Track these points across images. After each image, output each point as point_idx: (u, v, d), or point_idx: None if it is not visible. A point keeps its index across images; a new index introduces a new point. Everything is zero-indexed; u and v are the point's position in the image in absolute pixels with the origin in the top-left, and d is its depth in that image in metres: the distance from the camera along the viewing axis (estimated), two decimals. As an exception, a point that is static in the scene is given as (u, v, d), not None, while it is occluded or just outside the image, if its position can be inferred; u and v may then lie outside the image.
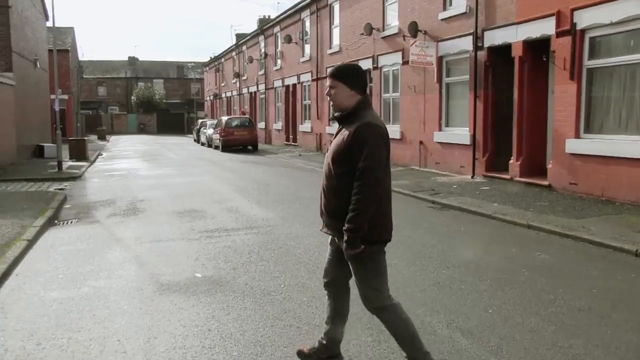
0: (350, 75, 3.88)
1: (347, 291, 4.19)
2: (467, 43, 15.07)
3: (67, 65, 40.51)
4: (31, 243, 8.38)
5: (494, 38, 14.10)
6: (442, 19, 16.21)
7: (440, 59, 16.52)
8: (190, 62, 76.89)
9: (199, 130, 41.00)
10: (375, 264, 3.81)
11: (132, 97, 71.42)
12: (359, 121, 3.69)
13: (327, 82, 3.93)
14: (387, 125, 16.11)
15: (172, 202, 12.44)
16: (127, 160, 25.70)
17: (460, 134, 15.72)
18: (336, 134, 3.89)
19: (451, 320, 5.15)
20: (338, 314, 4.17)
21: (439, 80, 16.70)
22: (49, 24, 30.10)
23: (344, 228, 3.66)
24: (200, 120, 45.30)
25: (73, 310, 5.58)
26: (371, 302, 3.88)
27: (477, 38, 14.61)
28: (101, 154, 29.56)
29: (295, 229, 9.32)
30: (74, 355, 4.52)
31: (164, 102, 71.67)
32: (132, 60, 78.75)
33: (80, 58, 51.32)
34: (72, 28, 46.18)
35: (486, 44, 14.36)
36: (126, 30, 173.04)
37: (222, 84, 51.06)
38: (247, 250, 7.89)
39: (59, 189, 14.78)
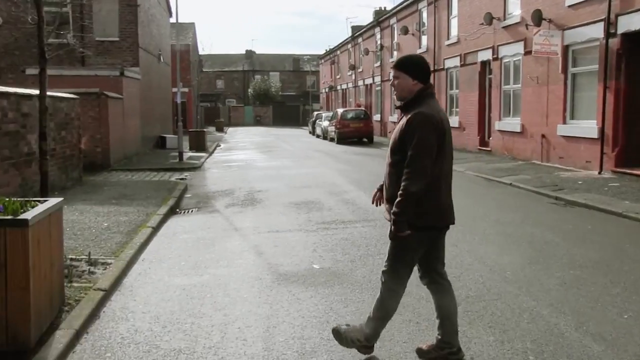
0: (413, 66, 3.98)
1: (447, 283, 4.22)
2: (597, 30, 14.11)
3: (188, 59, 42.35)
4: (155, 230, 8.77)
5: (631, 23, 13.07)
6: (569, 6, 15.29)
7: (565, 48, 15.62)
8: (306, 55, 78.09)
9: (314, 123, 41.52)
10: (415, 251, 3.97)
11: (249, 90, 73.52)
12: (414, 110, 3.83)
13: (392, 72, 4.07)
14: (506, 118, 15.49)
15: (289, 193, 12.63)
16: (244, 152, 26.47)
17: (587, 127, 14.78)
18: (398, 122, 4.05)
19: (580, 324, 4.83)
20: (445, 308, 4.19)
21: (564, 70, 15.79)
22: (172, 20, 31.58)
23: (391, 211, 3.83)
24: (315, 113, 45.88)
25: (195, 297, 5.75)
26: (386, 274, 4.07)
27: (609, 24, 13.64)
28: (219, 145, 30.62)
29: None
30: (197, 340, 4.64)
31: (279, 94, 73.22)
32: (249, 54, 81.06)
33: (200, 52, 53.48)
34: (193, 24, 48.24)
35: (620, 30, 13.36)
36: (244, 25, 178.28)
37: (338, 76, 51.36)
38: (365, 243, 7.82)
39: (180, 179, 15.43)
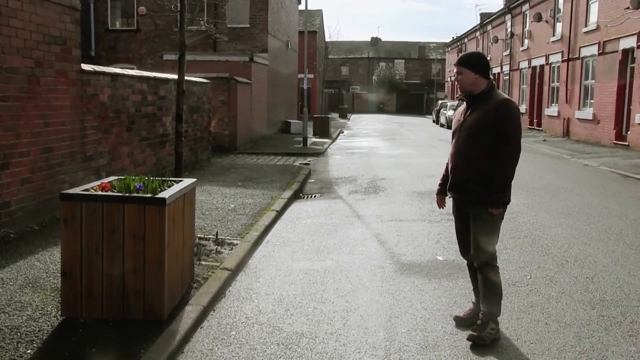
0: (475, 62, 4.37)
1: None
2: None
3: (315, 46, 42.88)
4: (279, 214, 8.93)
5: None
6: None
7: None
8: (432, 43, 76.50)
9: (438, 111, 40.78)
10: (499, 224, 4.40)
11: (373, 77, 73.37)
12: (497, 99, 4.26)
13: (455, 69, 4.44)
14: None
15: (412, 182, 12.43)
16: (367, 139, 26.44)
17: None
18: (464, 114, 4.44)
19: None
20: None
21: None
22: (301, 7, 32.03)
23: (494, 190, 4.21)
24: (440, 101, 44.98)
25: (317, 282, 5.77)
26: (486, 257, 4.33)
27: None
28: (342, 132, 30.79)
29: (541, 218, 8.68)
30: (319, 325, 4.64)
31: (404, 82, 72.51)
32: (375, 41, 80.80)
33: (327, 39, 53.95)
34: (320, 10, 48.73)
35: None
36: (370, 12, 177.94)
37: (464, 65, 49.87)
38: (490, 236, 7.51)
39: (304, 164, 15.65)
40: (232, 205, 9.15)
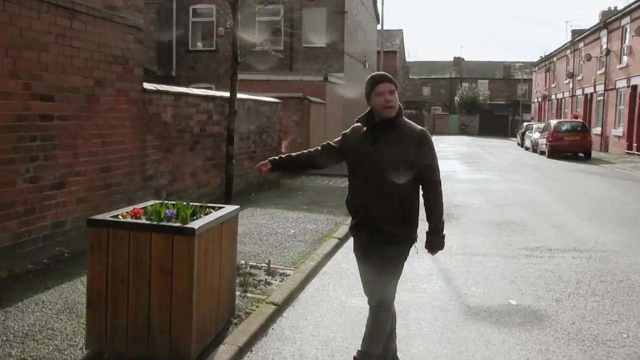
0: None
1: None
2: None
3: (394, 66, 42.42)
4: (342, 242, 8.33)
5: None
6: None
7: None
8: (518, 62, 74.20)
9: (523, 134, 39.11)
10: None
11: (455, 98, 71.84)
12: (413, 127, 3.96)
13: (384, 87, 3.89)
14: None
15: (489, 211, 11.59)
16: (445, 162, 25.46)
17: None
18: (369, 142, 3.97)
19: None
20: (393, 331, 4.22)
21: None
22: (380, 27, 31.65)
23: (438, 226, 3.90)
24: (525, 123, 43.22)
25: (371, 323, 5.18)
26: (387, 298, 4.02)
27: None
28: (421, 154, 29.92)
29: (640, 259, 7.71)
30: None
31: (487, 103, 70.62)
32: (457, 61, 79.27)
33: (407, 59, 53.31)
34: (400, 30, 48.23)
35: None
36: (453, 31, 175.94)
37: (553, 85, 47.99)
38: (575, 279, 6.67)
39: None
40: (293, 231, 8.70)
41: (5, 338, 4.40)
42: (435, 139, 37.22)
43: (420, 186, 3.89)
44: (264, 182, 13.42)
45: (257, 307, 5.29)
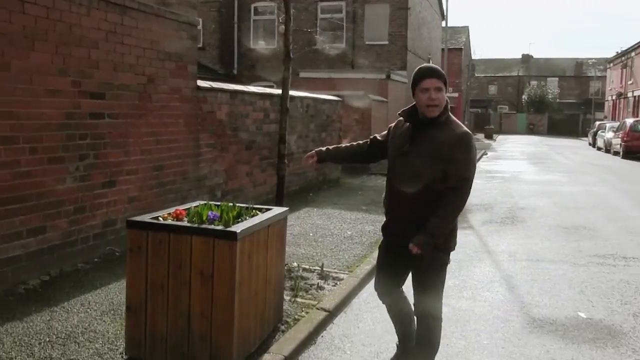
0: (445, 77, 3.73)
1: None
2: None
3: (459, 63, 41.44)
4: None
5: None
6: None
7: None
8: (591, 59, 71.41)
9: (595, 134, 37.51)
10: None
11: (523, 96, 69.73)
12: (457, 129, 3.68)
13: (429, 83, 3.65)
14: None
15: (556, 214, 10.97)
16: (511, 162, 24.65)
17: None
18: (408, 138, 3.76)
19: None
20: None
21: None
22: (445, 23, 30.92)
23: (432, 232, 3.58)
24: (597, 123, 41.45)
25: (428, 333, 4.85)
26: (430, 308, 3.74)
27: None
28: (486, 154, 29.09)
29: None
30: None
31: (557, 101, 68.27)
32: (526, 58, 77.01)
33: (473, 57, 52.07)
34: (466, 27, 47.12)
35: None
36: (521, 28, 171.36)
37: (630, 82, 45.84)
38: (655, 292, 6.15)
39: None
40: (349, 232, 8.42)
41: (47, 339, 4.33)
42: (502, 138, 36.52)
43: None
44: (324, 182, 13.20)
45: (306, 313, 5.05)
